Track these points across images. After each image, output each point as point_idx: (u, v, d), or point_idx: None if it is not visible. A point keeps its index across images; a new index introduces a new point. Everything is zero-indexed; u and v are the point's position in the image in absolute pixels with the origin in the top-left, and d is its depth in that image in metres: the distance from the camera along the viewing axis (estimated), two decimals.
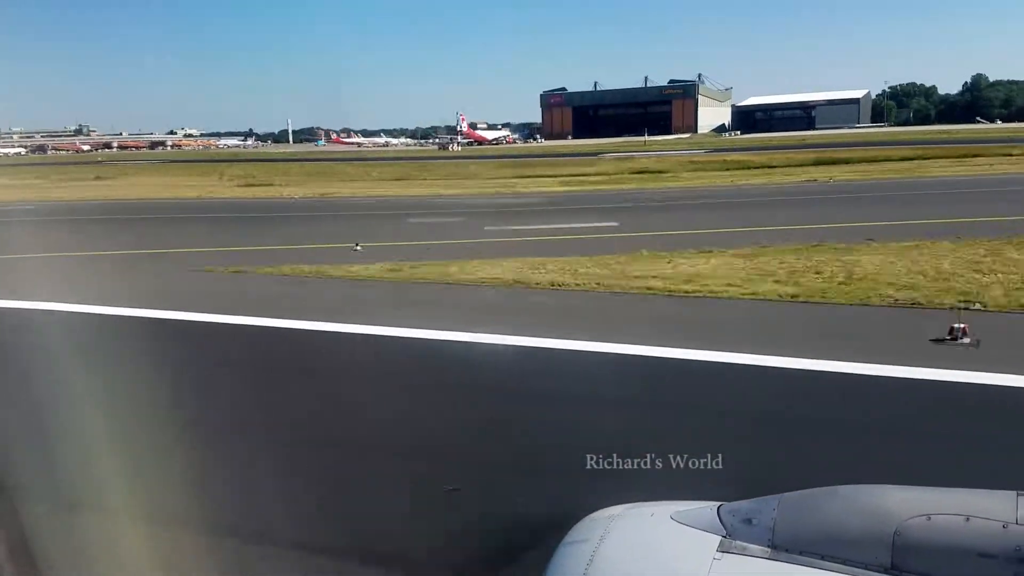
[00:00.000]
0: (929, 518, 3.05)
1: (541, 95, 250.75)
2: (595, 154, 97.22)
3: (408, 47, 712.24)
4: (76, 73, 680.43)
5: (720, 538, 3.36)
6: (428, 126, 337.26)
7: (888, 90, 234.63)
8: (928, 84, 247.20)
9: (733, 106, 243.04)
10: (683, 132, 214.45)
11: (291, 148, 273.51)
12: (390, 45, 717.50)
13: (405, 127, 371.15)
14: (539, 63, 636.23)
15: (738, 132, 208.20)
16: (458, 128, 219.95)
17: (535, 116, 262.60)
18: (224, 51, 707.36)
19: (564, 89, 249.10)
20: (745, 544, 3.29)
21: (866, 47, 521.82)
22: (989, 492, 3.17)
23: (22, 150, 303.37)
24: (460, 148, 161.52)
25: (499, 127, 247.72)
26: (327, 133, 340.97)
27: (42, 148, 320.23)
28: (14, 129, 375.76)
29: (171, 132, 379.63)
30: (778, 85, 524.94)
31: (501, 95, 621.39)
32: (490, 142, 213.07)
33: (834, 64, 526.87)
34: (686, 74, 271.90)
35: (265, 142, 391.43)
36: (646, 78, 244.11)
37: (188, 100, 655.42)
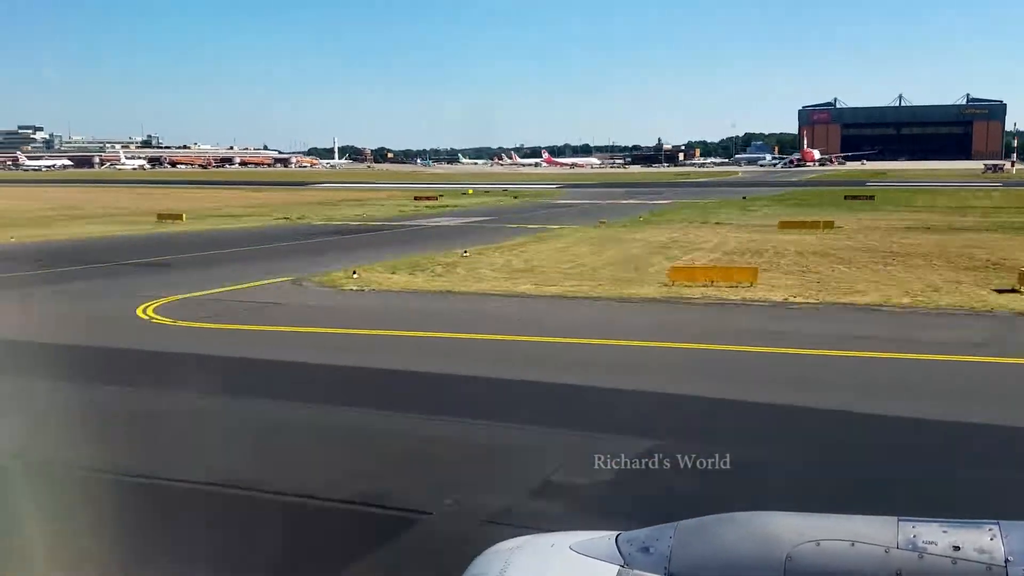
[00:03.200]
0: (818, 544, 3.13)
1: (800, 110, 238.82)
2: None
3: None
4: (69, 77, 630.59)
5: (618, 567, 3.38)
6: (621, 144, 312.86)
7: None
8: None
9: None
10: (988, 158, 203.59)
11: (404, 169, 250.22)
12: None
13: (562, 143, 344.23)
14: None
15: None
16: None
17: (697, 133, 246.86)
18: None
19: (831, 104, 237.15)
20: (643, 573, 3.30)
21: None
22: (872, 518, 3.26)
23: (144, 163, 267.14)
24: (1015, 170, 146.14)
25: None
26: (498, 152, 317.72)
27: (158, 160, 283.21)
28: (74, 137, 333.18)
29: (184, 146, 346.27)
30: None
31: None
32: (816, 161, 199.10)
33: None
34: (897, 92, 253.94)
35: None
36: (900, 96, 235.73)
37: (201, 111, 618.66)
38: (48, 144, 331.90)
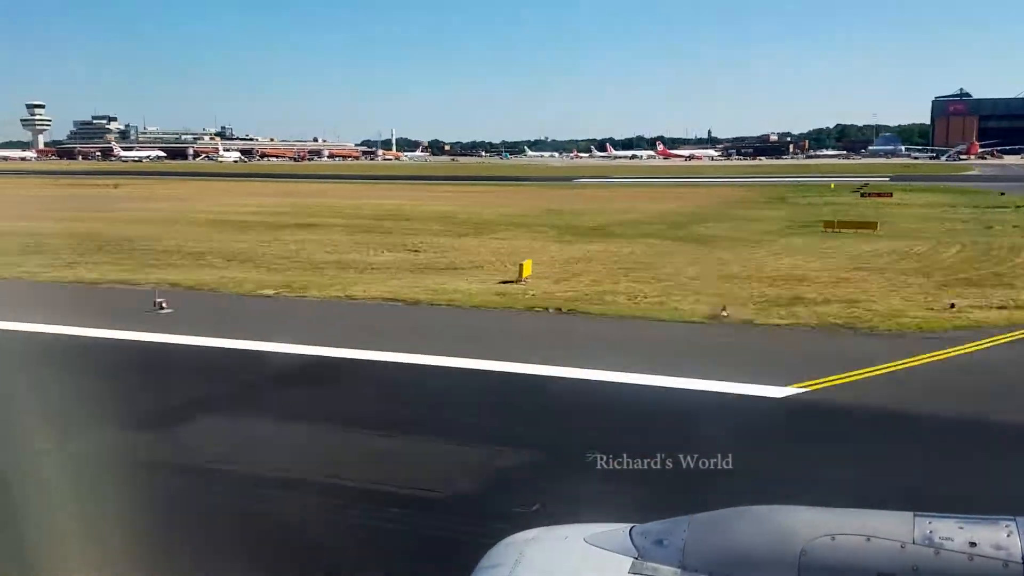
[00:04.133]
0: (833, 538, 3.10)
1: (935, 101, 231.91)
2: None
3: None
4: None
5: (632, 560, 3.36)
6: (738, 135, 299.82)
7: None
8: None
9: None
10: None
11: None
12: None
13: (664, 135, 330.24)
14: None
15: None
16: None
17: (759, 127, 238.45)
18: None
19: (967, 95, 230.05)
20: (656, 565, 3.28)
21: None
22: (888, 513, 3.23)
23: (239, 155, 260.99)
24: None
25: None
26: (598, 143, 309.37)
27: (249, 152, 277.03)
28: (148, 128, 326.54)
29: (247, 138, 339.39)
30: None
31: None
32: (977, 154, 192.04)
33: None
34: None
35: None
36: None
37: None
38: (124, 134, 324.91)
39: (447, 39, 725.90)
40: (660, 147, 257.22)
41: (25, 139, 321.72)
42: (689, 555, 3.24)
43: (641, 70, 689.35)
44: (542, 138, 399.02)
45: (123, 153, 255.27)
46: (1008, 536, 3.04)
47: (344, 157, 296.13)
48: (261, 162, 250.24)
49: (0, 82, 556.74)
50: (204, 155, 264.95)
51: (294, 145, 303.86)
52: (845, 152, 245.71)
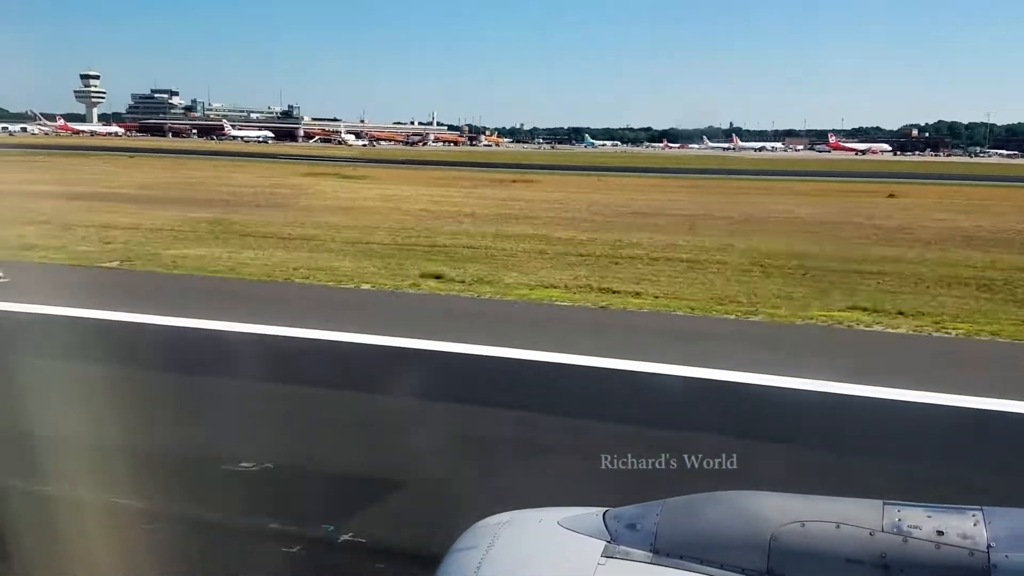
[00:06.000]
0: (803, 524, 3.17)
1: None
2: None
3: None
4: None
5: (605, 543, 3.44)
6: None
7: None
8: None
9: None
10: None
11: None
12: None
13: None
14: None
15: None
16: None
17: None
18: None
19: None
20: (628, 549, 3.36)
21: None
22: (858, 500, 3.31)
23: (353, 137, 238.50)
24: None
25: None
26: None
27: (358, 136, 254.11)
28: (214, 104, 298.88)
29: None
30: None
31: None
32: None
33: None
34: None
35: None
36: None
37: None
38: (190, 110, 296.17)
39: (475, 23, 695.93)
40: (832, 139, 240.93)
41: (78, 111, 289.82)
42: (661, 539, 3.26)
43: (684, 58, 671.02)
44: (584, 126, 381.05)
45: (235, 132, 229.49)
46: (974, 526, 3.01)
47: (446, 142, 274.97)
48: (383, 147, 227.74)
49: (47, 52, 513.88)
50: (317, 137, 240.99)
51: (396, 129, 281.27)
52: (1014, 152, 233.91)
